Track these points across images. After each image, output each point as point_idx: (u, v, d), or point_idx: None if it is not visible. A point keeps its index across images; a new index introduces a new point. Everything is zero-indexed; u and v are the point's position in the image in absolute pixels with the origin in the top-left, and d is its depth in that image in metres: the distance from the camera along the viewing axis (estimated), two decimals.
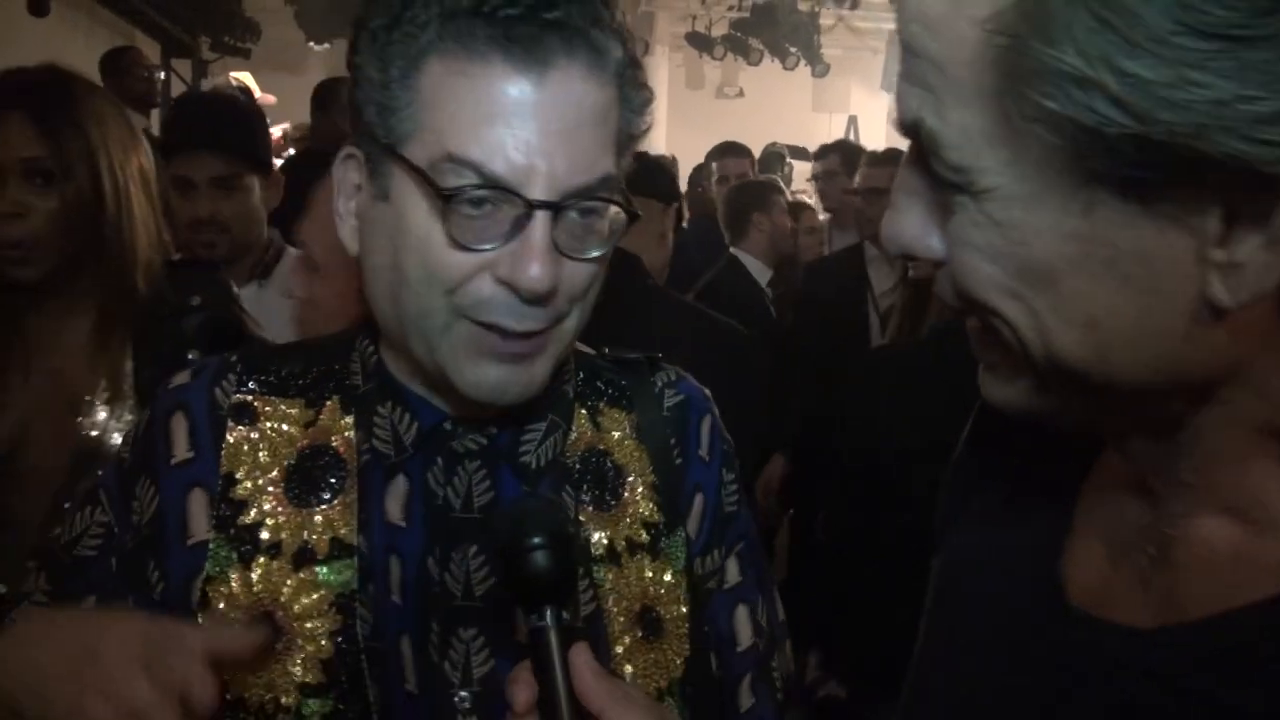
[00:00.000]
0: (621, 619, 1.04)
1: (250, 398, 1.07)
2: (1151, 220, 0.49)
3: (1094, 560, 0.68)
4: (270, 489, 1.03)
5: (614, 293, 2.26)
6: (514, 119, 0.89)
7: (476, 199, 0.90)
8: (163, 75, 8.43)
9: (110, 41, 9.04)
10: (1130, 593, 0.64)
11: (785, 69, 12.68)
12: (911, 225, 0.58)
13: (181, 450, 1.05)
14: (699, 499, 1.13)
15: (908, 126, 0.55)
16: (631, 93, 0.98)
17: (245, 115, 2.65)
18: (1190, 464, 0.59)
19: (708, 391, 1.20)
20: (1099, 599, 0.66)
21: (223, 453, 1.04)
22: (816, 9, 11.76)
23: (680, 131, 11.80)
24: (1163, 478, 0.62)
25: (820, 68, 12.31)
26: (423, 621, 1.00)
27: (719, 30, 12.90)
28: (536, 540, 0.77)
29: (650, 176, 2.48)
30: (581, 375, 1.14)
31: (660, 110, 14.28)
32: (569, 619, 0.78)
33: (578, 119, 0.91)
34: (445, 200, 0.89)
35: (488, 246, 0.91)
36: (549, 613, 0.77)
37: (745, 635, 1.14)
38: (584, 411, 1.12)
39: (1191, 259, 0.50)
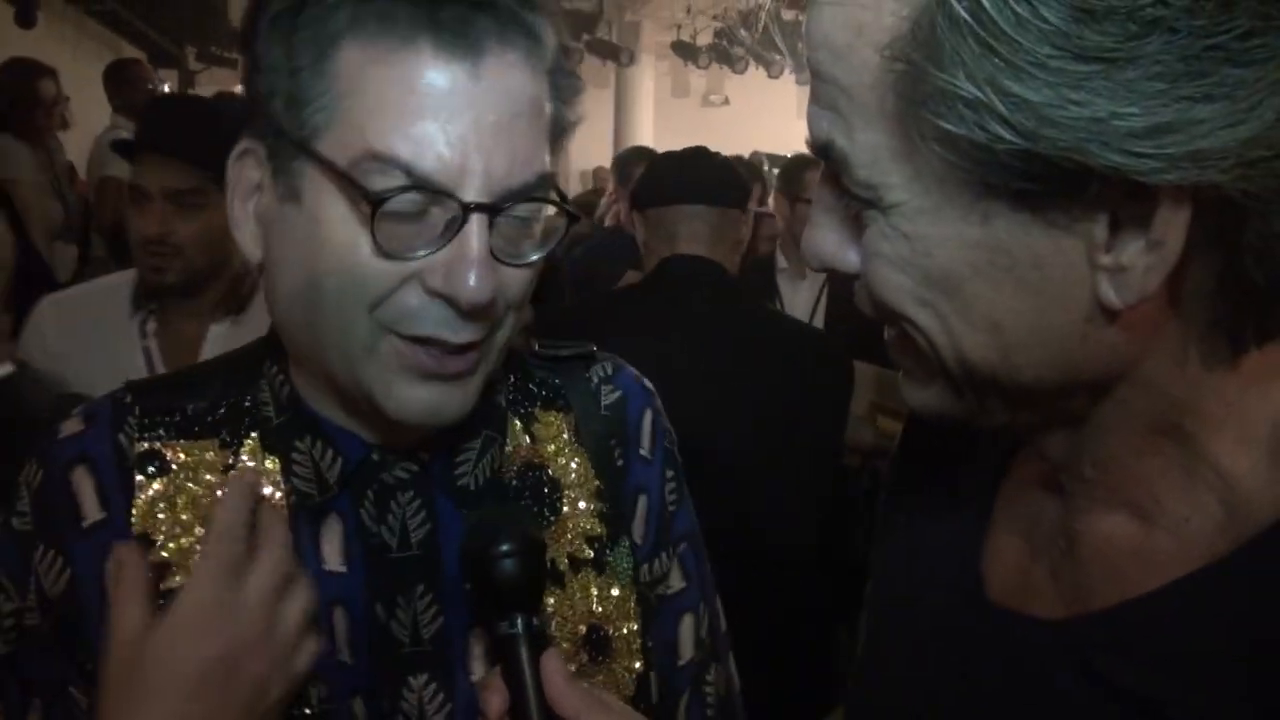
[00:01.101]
0: (566, 644, 0.97)
1: (157, 444, 0.94)
2: (1043, 229, 0.53)
3: (1011, 556, 0.72)
4: (198, 548, 0.90)
5: (700, 300, 2.32)
6: (445, 111, 0.80)
7: (407, 203, 0.81)
8: (166, 87, 8.41)
9: (97, 52, 9.05)
10: (1044, 586, 0.68)
11: (770, 77, 12.75)
12: (829, 241, 0.63)
13: (93, 511, 0.91)
14: (642, 501, 1.05)
15: (819, 148, 0.60)
16: (562, 82, 0.90)
17: (224, 121, 2.16)
18: (1092, 461, 0.63)
19: (647, 382, 1.10)
20: (1016, 593, 0.69)
21: (134, 512, 0.91)
22: (801, 17, 11.83)
23: (666, 139, 11.83)
24: (1069, 475, 0.66)
25: (805, 75, 12.36)
26: (376, 673, 0.92)
27: (704, 39, 12.97)
28: (505, 548, 0.78)
29: (733, 187, 2.51)
30: (513, 379, 1.04)
31: (646, 118, 14.34)
32: (539, 625, 0.79)
33: (514, 111, 0.83)
34: (374, 205, 0.79)
35: (419, 254, 0.81)
36: (519, 620, 0.77)
37: (688, 648, 1.06)
38: (518, 422, 1.03)
39: (1083, 263, 0.54)
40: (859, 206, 0.59)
